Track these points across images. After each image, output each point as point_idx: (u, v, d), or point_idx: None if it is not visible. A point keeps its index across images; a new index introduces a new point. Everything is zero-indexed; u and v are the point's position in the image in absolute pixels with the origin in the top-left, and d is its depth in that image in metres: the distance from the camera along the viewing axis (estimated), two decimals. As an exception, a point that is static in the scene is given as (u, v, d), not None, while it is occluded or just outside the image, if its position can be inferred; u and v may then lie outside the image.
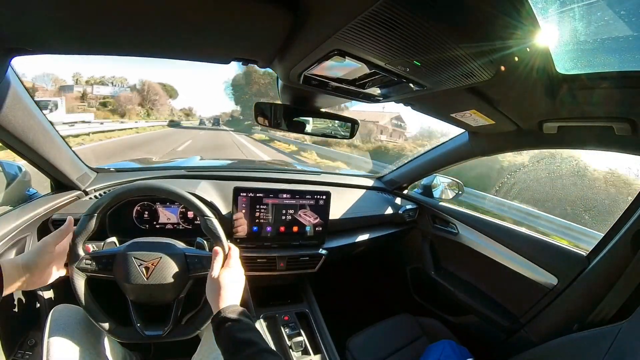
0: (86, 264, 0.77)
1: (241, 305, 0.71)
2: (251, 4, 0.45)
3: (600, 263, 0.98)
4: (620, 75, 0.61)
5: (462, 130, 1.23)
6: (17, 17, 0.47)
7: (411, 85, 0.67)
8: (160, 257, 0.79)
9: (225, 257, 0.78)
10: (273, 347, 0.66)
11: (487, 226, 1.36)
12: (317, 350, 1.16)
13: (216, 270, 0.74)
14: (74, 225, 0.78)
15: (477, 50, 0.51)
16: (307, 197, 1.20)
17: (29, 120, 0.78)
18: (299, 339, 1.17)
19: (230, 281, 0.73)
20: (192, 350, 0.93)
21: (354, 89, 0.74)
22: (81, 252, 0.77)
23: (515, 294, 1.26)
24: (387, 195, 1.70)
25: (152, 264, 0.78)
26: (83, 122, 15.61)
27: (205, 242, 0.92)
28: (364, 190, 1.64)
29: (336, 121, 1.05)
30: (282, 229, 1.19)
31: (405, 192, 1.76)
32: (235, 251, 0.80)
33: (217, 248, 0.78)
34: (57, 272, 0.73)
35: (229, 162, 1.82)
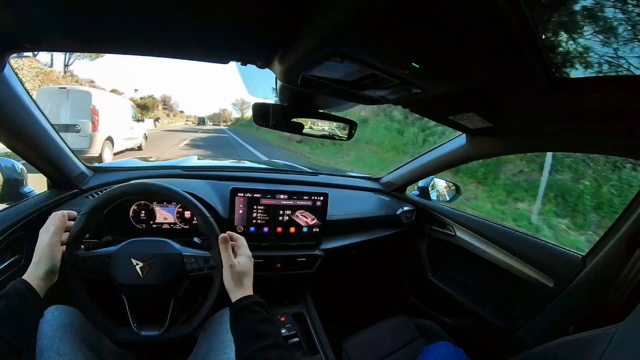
0: (82, 264, 0.76)
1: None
2: (251, 4, 0.45)
3: (596, 265, 0.99)
4: (617, 79, 0.62)
5: (460, 133, 1.24)
6: (15, 14, 0.47)
7: (410, 87, 0.67)
8: (157, 257, 0.79)
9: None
10: None
11: (484, 228, 1.36)
12: (313, 352, 1.16)
13: (231, 258, 0.75)
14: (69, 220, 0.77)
15: (475, 52, 0.51)
16: (305, 198, 1.19)
17: (26, 118, 0.77)
18: (296, 340, 1.17)
19: (245, 269, 0.74)
20: (188, 351, 0.92)
21: (352, 91, 0.74)
22: (77, 252, 0.76)
23: (511, 296, 1.27)
24: (385, 197, 1.71)
25: (149, 264, 0.77)
26: None
27: (202, 241, 0.92)
28: (361, 192, 1.65)
29: (334, 122, 1.05)
30: (279, 229, 1.19)
31: (402, 194, 1.76)
32: (244, 240, 0.81)
33: (223, 235, 0.78)
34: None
35: (227, 162, 1.81)
